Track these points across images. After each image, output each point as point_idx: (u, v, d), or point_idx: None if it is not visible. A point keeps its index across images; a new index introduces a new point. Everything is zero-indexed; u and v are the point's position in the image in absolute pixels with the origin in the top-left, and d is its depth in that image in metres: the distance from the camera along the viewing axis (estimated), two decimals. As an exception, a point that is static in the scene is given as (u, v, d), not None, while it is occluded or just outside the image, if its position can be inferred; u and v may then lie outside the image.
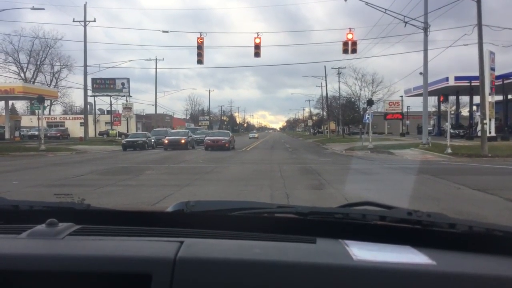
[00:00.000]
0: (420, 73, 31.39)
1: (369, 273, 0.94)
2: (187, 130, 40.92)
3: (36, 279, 0.94)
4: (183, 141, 33.23)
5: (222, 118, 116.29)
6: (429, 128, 37.83)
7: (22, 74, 63.71)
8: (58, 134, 53.42)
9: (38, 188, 10.87)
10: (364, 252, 1.02)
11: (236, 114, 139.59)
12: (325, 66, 64.33)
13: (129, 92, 61.92)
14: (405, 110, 65.60)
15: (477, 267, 1.01)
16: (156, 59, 56.99)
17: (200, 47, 28.28)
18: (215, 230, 1.16)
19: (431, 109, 55.41)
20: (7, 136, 42.95)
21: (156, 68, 57.86)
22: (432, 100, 52.99)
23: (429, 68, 28.49)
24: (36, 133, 39.87)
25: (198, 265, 0.94)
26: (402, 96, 58.91)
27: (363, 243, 1.11)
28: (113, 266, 0.94)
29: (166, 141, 33.38)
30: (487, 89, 26.16)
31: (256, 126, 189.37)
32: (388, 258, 0.99)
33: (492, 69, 30.82)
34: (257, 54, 27.88)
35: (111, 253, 0.99)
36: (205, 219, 1.25)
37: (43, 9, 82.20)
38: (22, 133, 49.80)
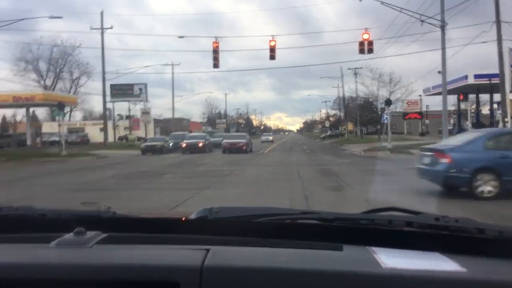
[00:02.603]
0: (439, 72, 30.98)
1: (399, 282, 0.92)
2: (205, 134, 41.13)
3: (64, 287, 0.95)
4: (200, 144, 33.41)
5: (239, 121, 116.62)
6: (449, 128, 37.32)
7: (42, 82, 64.90)
8: (79, 140, 54.18)
9: (61, 193, 11.07)
10: (392, 260, 1.01)
11: (252, 117, 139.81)
12: (341, 67, 63.96)
13: (146, 97, 62.55)
14: (424, 109, 64.84)
15: (508, 274, 0.99)
16: (172, 65, 57.64)
17: (215, 51, 28.43)
18: (240, 237, 1.16)
19: (451, 107, 54.61)
20: (28, 142, 43.78)
21: (172, 73, 58.48)
22: (452, 99, 52.19)
23: (447, 66, 28.12)
24: (57, 139, 40.55)
25: (225, 273, 0.95)
26: (420, 95, 58.25)
27: (390, 249, 1.09)
28: (141, 275, 0.95)
29: (184, 145, 33.59)
30: (507, 87, 25.66)
31: (272, 128, 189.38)
32: (417, 266, 0.98)
33: (513, 66, 30.24)
34: (272, 56, 27.89)
35: (138, 261, 1.00)
36: (229, 226, 1.24)
37: (61, 17, 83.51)
38: (43, 139, 50.70)
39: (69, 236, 1.12)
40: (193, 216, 1.31)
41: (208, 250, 1.04)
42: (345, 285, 0.92)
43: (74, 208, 1.56)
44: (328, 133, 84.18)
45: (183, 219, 1.37)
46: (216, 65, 28.58)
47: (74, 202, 9.27)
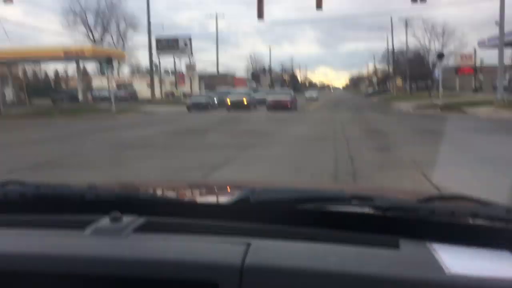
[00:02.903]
0: (496, 22, 29.05)
1: None
2: (249, 91, 41.11)
3: (92, 281, 0.91)
4: (245, 101, 33.49)
5: (283, 76, 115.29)
6: (505, 83, 35.33)
7: (90, 35, 66.10)
8: (127, 95, 55.51)
9: (110, 150, 11.46)
10: (456, 261, 0.90)
11: (297, 71, 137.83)
12: (391, 17, 61.27)
13: (191, 51, 62.65)
14: (478, 63, 61.49)
15: None
16: (216, 16, 57.00)
17: (260, 1, 27.82)
18: (284, 227, 1.07)
19: (508, 62, 51.48)
20: (80, 98, 45.23)
21: (216, 27, 58.09)
22: (510, 53, 49.15)
23: (506, 16, 26.28)
24: (107, 94, 41.68)
25: (268, 274, 0.87)
26: (475, 49, 55.11)
27: (452, 247, 0.97)
28: (178, 272, 0.90)
29: (229, 102, 33.78)
30: None
31: (318, 84, 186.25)
32: (485, 270, 0.87)
33: None
34: (319, 5, 26.95)
35: (175, 256, 0.94)
36: (271, 213, 1.14)
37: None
38: (94, 94, 52.17)
39: (105, 222, 1.07)
40: (234, 197, 1.19)
41: (249, 245, 0.96)
42: None
43: (110, 187, 1.52)
44: (370, 92, 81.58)
45: (223, 204, 1.28)
46: (260, 15, 28.03)
47: (124, 160, 9.59)
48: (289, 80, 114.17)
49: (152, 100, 43.87)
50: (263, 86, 71.66)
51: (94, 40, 61.92)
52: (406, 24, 55.67)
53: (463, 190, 4.79)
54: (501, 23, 26.73)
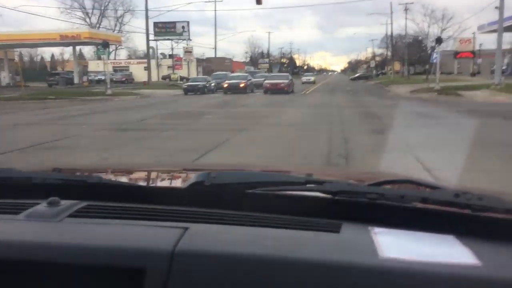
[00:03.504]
0: (496, 7, 28.83)
1: (392, 277, 0.78)
2: (247, 74, 40.82)
3: (20, 266, 0.87)
4: (242, 84, 33.30)
5: (282, 60, 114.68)
6: (503, 68, 35.25)
7: (87, 20, 65.65)
8: (124, 79, 55.24)
9: (104, 132, 11.42)
10: (394, 246, 0.87)
11: (295, 56, 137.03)
12: (391, 2, 60.74)
13: (189, 35, 62.18)
14: (477, 48, 61.24)
15: None
16: (215, 1, 56.44)
17: (258, -14, 27.54)
18: (229, 211, 1.04)
19: (507, 46, 51.28)
20: (76, 81, 45.02)
21: (215, 10, 57.50)
22: (508, 37, 48.94)
23: (506, 2, 26.09)
24: (103, 78, 41.47)
25: (199, 259, 0.84)
26: (474, 33, 54.81)
27: (395, 231, 0.95)
28: (106, 258, 0.85)
29: (226, 85, 33.60)
30: None
31: (316, 68, 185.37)
32: (423, 255, 0.83)
33: None
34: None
35: (105, 242, 0.90)
36: (220, 196, 1.11)
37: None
38: (89, 78, 51.99)
39: (41, 206, 1.03)
40: (190, 180, 1.16)
41: (186, 229, 0.92)
42: (334, 278, 0.79)
43: (57, 172, 1.45)
44: (356, 75, 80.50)
45: (173, 187, 1.23)
46: (259, 1, 27.80)
47: (115, 141, 9.57)
48: (287, 64, 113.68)
49: (148, 83, 43.63)
50: (262, 70, 71.28)
51: (91, 25, 61.46)
52: (406, 9, 55.26)
53: (451, 173, 4.77)
54: (500, 8, 26.54)
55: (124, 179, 1.64)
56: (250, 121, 13.46)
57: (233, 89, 32.72)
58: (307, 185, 1.12)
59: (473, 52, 56.14)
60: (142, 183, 1.54)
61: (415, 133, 10.14)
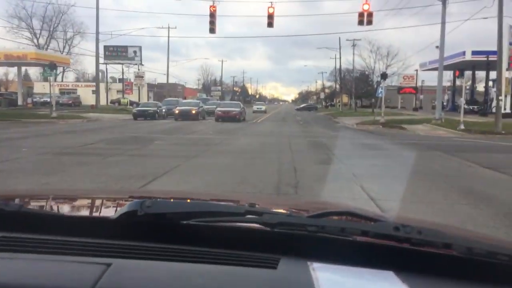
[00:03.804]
0: (437, 47, 30.72)
1: None
2: (198, 101, 40.79)
3: None
4: (193, 111, 33.18)
5: (234, 89, 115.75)
6: (443, 103, 37.28)
7: (35, 40, 63.69)
8: (70, 102, 53.61)
9: (47, 156, 10.93)
10: (332, 282, 0.86)
11: (248, 85, 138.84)
12: (339, 38, 63.16)
13: (141, 60, 61.66)
14: (419, 84, 64.59)
15: None
16: (168, 27, 56.53)
17: (212, 15, 27.86)
18: (160, 245, 0.98)
19: (446, 83, 54.44)
20: (19, 102, 43.27)
21: (168, 37, 57.43)
22: (448, 75, 52.04)
23: (445, 42, 27.88)
24: (49, 100, 40.10)
25: None
26: (417, 70, 57.94)
27: (334, 267, 0.93)
28: None
29: (177, 111, 33.35)
30: (504, 65, 25.51)
31: (268, 97, 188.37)
32: None
33: (511, 44, 29.99)
34: (270, 24, 27.40)
35: (13, 280, 0.82)
36: (151, 228, 1.04)
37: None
38: (34, 99, 50.10)
39: None
40: (122, 209, 1.07)
41: (108, 265, 0.86)
42: None
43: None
44: (301, 105, 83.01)
45: (104, 217, 1.13)
46: (212, 30, 28.06)
47: (57, 166, 9.16)
48: (239, 93, 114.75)
49: (96, 107, 42.56)
50: (214, 97, 71.48)
51: (39, 46, 59.71)
52: (354, 45, 57.66)
53: (395, 203, 4.89)
54: (441, 47, 28.27)
55: (49, 208, 1.52)
56: (201, 148, 13.35)
57: (184, 116, 32.51)
58: (246, 216, 1.07)
59: (415, 88, 59.14)
60: (67, 213, 1.42)
61: (361, 164, 10.43)
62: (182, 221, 1.03)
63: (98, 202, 1.71)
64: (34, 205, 1.52)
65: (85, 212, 1.51)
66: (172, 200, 1.40)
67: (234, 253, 0.96)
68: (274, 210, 1.27)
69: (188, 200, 1.53)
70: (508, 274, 0.93)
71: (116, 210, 1.15)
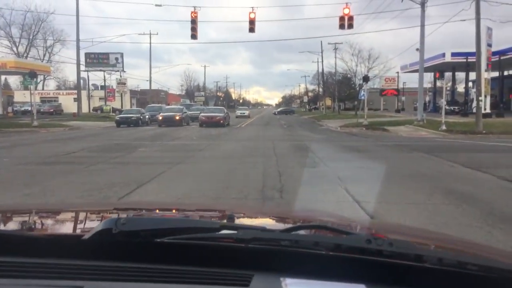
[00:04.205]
0: (417, 49, 31.14)
1: None
2: (182, 107, 40.63)
3: None
4: (177, 117, 33.04)
5: (218, 94, 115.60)
6: (424, 105, 37.76)
7: (14, 49, 62.81)
8: (52, 110, 52.92)
9: (28, 166, 10.76)
10: None
11: (231, 90, 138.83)
12: (321, 42, 63.74)
13: (123, 67, 61.25)
14: (401, 86, 65.39)
15: None
16: (150, 34, 56.27)
17: (194, 21, 27.84)
18: (133, 265, 0.96)
19: (427, 85, 55.23)
20: (0, 111, 42.53)
21: (150, 43, 57.14)
22: (428, 76, 52.84)
23: (425, 44, 28.28)
24: (29, 108, 39.53)
25: None
26: (398, 72, 58.70)
27: (308, 282, 0.94)
28: None
29: (160, 118, 33.18)
30: (483, 66, 26.01)
31: (251, 102, 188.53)
32: None
33: (489, 45, 30.59)
34: (251, 29, 27.50)
35: None
36: (127, 246, 1.02)
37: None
38: (15, 108, 49.35)
39: None
40: (96, 228, 1.04)
41: None
42: None
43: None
44: (279, 109, 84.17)
45: (78, 236, 1.10)
46: (194, 36, 28.03)
47: (39, 176, 9.02)
48: (223, 98, 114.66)
49: (78, 115, 42.07)
50: (197, 103, 71.29)
51: (18, 54, 58.88)
52: (335, 48, 58.13)
53: (379, 205, 4.92)
54: (421, 49, 28.67)
55: (17, 226, 1.45)
56: (185, 154, 13.29)
57: (168, 122, 32.36)
58: (221, 232, 1.07)
59: (397, 90, 59.80)
60: (37, 232, 1.36)
61: (346, 166, 10.50)
62: (156, 239, 1.02)
63: (72, 218, 1.66)
64: (1, 223, 1.47)
65: (57, 231, 1.46)
66: (149, 215, 1.36)
67: (208, 271, 0.95)
68: (252, 222, 1.26)
69: (167, 215, 1.50)
70: (478, 284, 0.94)
71: (90, 227, 1.12)
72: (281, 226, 1.35)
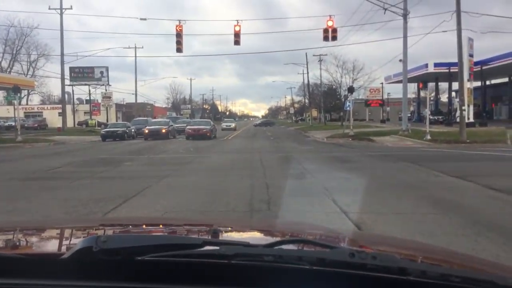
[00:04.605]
0: (400, 60, 31.57)
1: None
2: (168, 120, 40.50)
3: None
4: (163, 130, 32.91)
5: (204, 106, 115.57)
6: (408, 115, 38.21)
7: (-3, 64, 62.18)
8: (36, 125, 52.30)
9: (12, 182, 10.59)
10: None
11: (217, 103, 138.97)
12: (306, 54, 64.32)
13: (108, 81, 61.00)
14: (385, 96, 66.09)
15: None
16: (135, 47, 56.22)
17: (179, 35, 27.89)
18: (114, 284, 0.95)
19: (411, 95, 55.94)
20: (-18, 127, 41.92)
21: (135, 56, 57.09)
22: (412, 87, 53.51)
23: (408, 55, 28.68)
24: (13, 123, 39.01)
25: None
26: (382, 83, 59.30)
27: None
28: None
29: (147, 131, 33.01)
30: (465, 76, 26.45)
31: (238, 114, 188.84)
32: None
33: (471, 55, 31.15)
34: (237, 42, 27.63)
35: None
36: (107, 265, 1.00)
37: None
38: (-2, 124, 48.63)
39: None
40: (76, 247, 1.03)
41: None
42: None
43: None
44: (259, 122, 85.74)
45: (56, 254, 1.09)
46: (179, 50, 28.06)
47: (23, 192, 8.87)
48: (209, 110, 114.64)
49: (63, 129, 41.64)
50: (184, 116, 71.15)
51: (1, 69, 58.30)
52: (320, 60, 58.63)
53: (366, 216, 4.93)
54: (404, 60, 29.06)
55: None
56: (172, 168, 13.21)
57: (154, 135, 32.20)
58: (203, 248, 1.06)
59: (382, 101, 60.40)
60: (16, 251, 1.33)
61: (333, 177, 10.53)
62: (138, 257, 1.00)
63: (54, 236, 1.63)
64: None
65: (37, 250, 1.43)
66: (130, 232, 1.35)
67: None
68: (236, 236, 1.25)
69: (150, 230, 1.48)
70: None
71: (72, 245, 1.10)
72: (265, 240, 1.34)
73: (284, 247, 1.13)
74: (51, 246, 1.48)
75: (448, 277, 0.96)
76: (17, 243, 1.53)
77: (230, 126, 54.72)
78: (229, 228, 1.79)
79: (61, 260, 1.02)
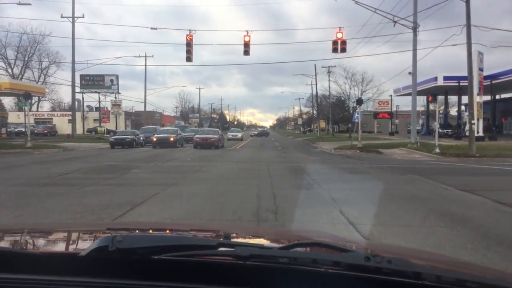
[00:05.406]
0: (409, 73, 31.52)
1: None
2: (176, 128, 40.68)
3: None
4: (172, 139, 33.05)
5: (212, 115, 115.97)
6: (417, 128, 38.06)
7: (9, 70, 63.04)
8: (46, 131, 52.80)
9: (21, 187, 10.66)
10: None
11: (226, 112, 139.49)
12: (315, 65, 64.31)
13: (118, 89, 61.39)
14: (394, 109, 65.94)
15: None
16: (145, 56, 56.79)
17: (189, 44, 28.11)
18: (130, 282, 0.96)
19: (420, 108, 55.79)
20: (-7, 133, 42.35)
21: (145, 65, 57.60)
22: (421, 100, 53.36)
23: (417, 67, 28.63)
24: (23, 129, 39.39)
25: None
26: (391, 96, 59.21)
27: None
28: None
29: (155, 139, 33.17)
30: (475, 89, 26.34)
31: (246, 123, 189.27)
32: None
33: (481, 69, 31.04)
34: (246, 52, 27.76)
35: None
36: (122, 264, 1.02)
37: (30, 4, 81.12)
38: (9, 129, 49.10)
39: None
40: (93, 245, 1.04)
41: None
42: None
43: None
44: (256, 132, 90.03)
45: (74, 253, 1.10)
46: (189, 59, 28.27)
47: (32, 197, 8.93)
48: (217, 119, 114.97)
49: (72, 136, 41.95)
50: (192, 124, 71.43)
51: (13, 76, 59.06)
52: (329, 71, 58.70)
53: (374, 228, 4.90)
54: (413, 73, 29.01)
55: (15, 245, 1.45)
56: (179, 176, 13.24)
57: (163, 143, 32.35)
58: (218, 249, 1.07)
59: (390, 113, 60.25)
60: (35, 249, 1.36)
61: (340, 188, 10.48)
62: (154, 256, 1.01)
63: (68, 237, 1.65)
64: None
65: (54, 249, 1.46)
66: (145, 233, 1.36)
67: None
68: (248, 241, 1.26)
69: (162, 233, 1.50)
70: None
71: (86, 245, 1.12)
72: (278, 243, 1.34)
73: (298, 249, 1.13)
74: (69, 246, 1.50)
75: (464, 283, 0.96)
76: (36, 243, 1.56)
77: (236, 136, 52.97)
78: (241, 233, 1.79)
79: (79, 258, 1.04)
